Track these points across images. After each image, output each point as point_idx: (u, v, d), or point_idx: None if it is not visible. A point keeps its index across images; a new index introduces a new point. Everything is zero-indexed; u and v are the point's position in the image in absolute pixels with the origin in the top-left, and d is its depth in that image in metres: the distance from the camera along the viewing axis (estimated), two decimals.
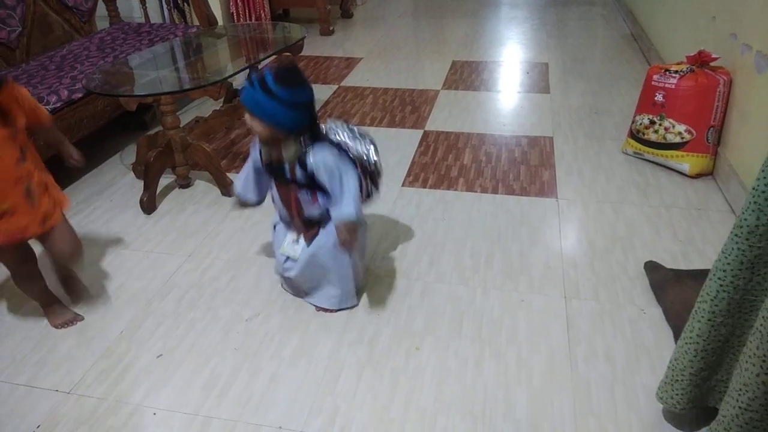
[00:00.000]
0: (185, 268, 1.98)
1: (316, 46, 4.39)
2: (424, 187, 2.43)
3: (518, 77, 3.71)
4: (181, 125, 2.38)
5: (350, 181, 1.57)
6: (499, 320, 1.71)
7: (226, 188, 2.39)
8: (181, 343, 1.66)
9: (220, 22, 3.97)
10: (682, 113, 2.39)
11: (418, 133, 2.93)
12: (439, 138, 2.87)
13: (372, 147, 1.68)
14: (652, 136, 2.48)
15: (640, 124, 2.53)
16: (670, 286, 1.75)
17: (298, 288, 1.80)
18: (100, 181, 2.54)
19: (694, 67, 2.39)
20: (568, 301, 1.77)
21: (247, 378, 1.54)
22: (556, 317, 1.71)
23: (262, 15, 4.58)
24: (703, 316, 1.17)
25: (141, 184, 2.35)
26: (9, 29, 2.62)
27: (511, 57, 4.13)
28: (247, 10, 4.55)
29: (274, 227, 1.79)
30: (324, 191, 1.59)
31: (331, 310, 1.76)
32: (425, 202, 2.32)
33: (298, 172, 1.56)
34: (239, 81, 2.66)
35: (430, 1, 5.94)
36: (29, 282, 1.70)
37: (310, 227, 1.67)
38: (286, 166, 1.57)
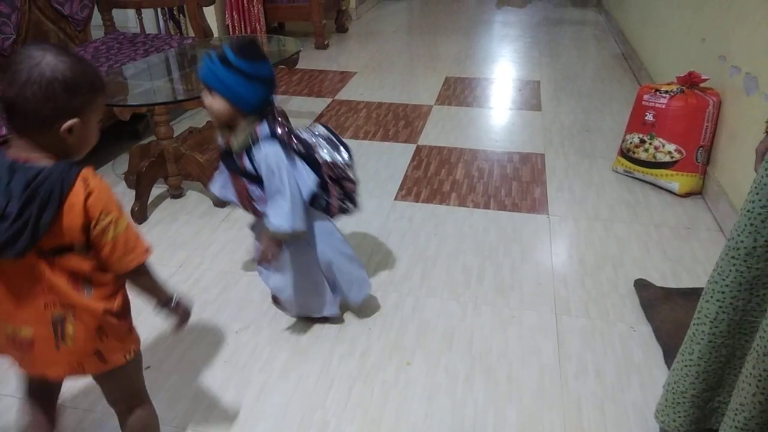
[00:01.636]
0: (176, 278, 1.97)
1: (310, 60, 4.41)
2: (417, 201, 2.44)
3: (510, 94, 3.75)
4: (175, 135, 2.38)
5: (288, 187, 1.45)
6: (490, 336, 1.71)
7: (218, 200, 2.38)
8: (170, 355, 1.65)
9: (216, 34, 3.99)
10: (672, 133, 2.42)
11: (411, 148, 2.94)
12: (432, 153, 2.89)
13: (347, 154, 1.59)
14: (642, 155, 2.51)
15: (631, 142, 2.56)
16: (660, 305, 1.76)
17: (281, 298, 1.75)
18: None
19: (684, 87, 2.43)
20: (559, 318, 1.78)
21: (236, 391, 1.53)
22: (547, 334, 1.72)
23: (258, 28, 4.60)
24: (702, 339, 1.17)
25: (133, 193, 2.34)
26: (3, 36, 2.61)
27: (503, 74, 4.18)
28: (242, 23, 4.57)
29: (252, 228, 1.72)
30: None
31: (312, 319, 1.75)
32: (417, 216, 2.33)
33: (247, 164, 1.48)
34: None
35: (425, 17, 6.01)
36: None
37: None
38: (237, 158, 1.49)
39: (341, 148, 1.59)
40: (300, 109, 3.44)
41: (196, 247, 2.14)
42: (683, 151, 2.40)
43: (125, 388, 1.21)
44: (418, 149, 2.93)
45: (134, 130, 2.98)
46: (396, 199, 2.46)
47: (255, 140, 1.45)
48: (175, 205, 2.43)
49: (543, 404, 1.49)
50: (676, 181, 2.42)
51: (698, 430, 1.28)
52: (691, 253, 2.08)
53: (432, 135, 3.10)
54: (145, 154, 2.42)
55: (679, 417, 1.27)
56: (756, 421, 1.03)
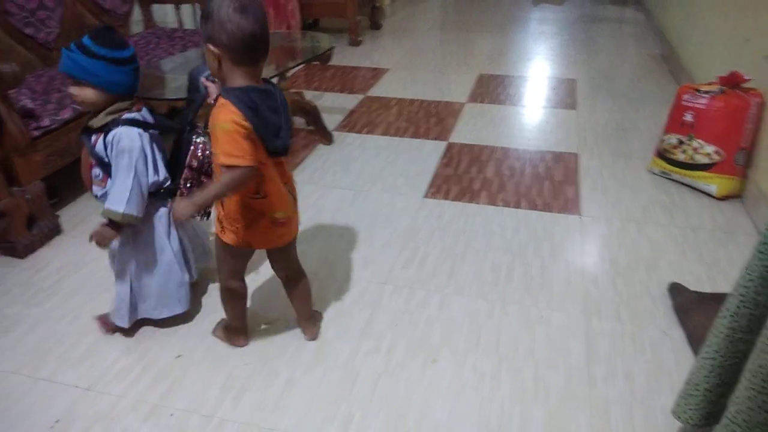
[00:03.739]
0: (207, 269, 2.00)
1: (344, 56, 4.43)
2: (446, 198, 2.43)
3: (545, 92, 3.70)
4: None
5: (131, 175, 1.45)
6: (518, 335, 1.69)
7: None
8: (200, 345, 1.68)
9: None
10: (712, 134, 2.35)
11: (441, 145, 2.93)
12: (463, 150, 2.87)
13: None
14: (680, 156, 2.45)
15: (668, 143, 2.50)
16: (694, 309, 1.72)
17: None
18: None
19: (725, 88, 2.36)
20: (589, 320, 1.75)
21: (263, 382, 1.55)
22: (576, 335, 1.69)
23: (293, 24, 4.63)
24: (721, 332, 1.15)
25: None
26: (48, 30, 2.69)
27: (538, 72, 4.12)
28: (277, 19, 4.61)
29: None
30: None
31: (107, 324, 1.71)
32: (446, 213, 2.32)
33: (99, 145, 1.48)
34: None
35: (459, 14, 5.96)
36: (238, 298, 1.62)
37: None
38: (94, 136, 1.49)
39: None
40: (332, 105, 3.46)
41: None
42: (722, 153, 2.33)
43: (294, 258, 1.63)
44: (449, 146, 2.92)
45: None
46: (425, 196, 2.45)
47: (116, 123, 1.46)
48: None
49: (570, 406, 1.47)
50: (715, 184, 2.36)
51: (709, 425, 1.26)
52: (728, 257, 2.02)
53: (463, 132, 3.08)
54: None
55: (690, 409, 1.25)
56: (743, 416, 1.00)
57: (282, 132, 1.32)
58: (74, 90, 1.45)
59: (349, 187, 2.53)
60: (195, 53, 2.71)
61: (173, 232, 1.65)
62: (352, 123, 3.23)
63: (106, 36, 1.42)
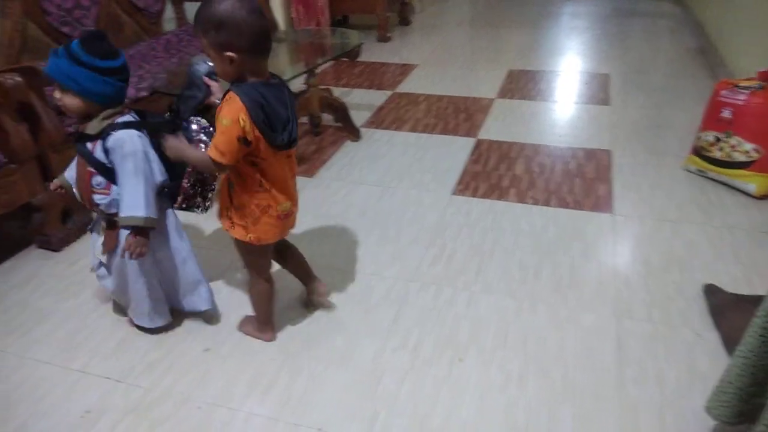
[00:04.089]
0: (238, 264, 2.02)
1: (373, 53, 4.42)
2: (475, 195, 2.41)
3: (577, 88, 3.63)
4: None
5: (142, 177, 1.45)
6: (546, 335, 1.67)
7: None
8: (228, 339, 1.70)
9: (282, 27, 4.06)
10: (751, 131, 2.28)
11: (470, 142, 2.90)
12: (492, 147, 2.84)
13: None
14: (717, 154, 2.38)
15: (705, 140, 2.43)
16: (730, 311, 1.67)
17: (120, 302, 1.72)
18: None
19: (765, 83, 2.28)
20: (620, 320, 1.71)
21: (289, 377, 1.56)
22: (606, 336, 1.66)
23: (322, 21, 4.65)
24: (756, 331, 1.13)
25: None
26: (83, 29, 2.75)
27: (569, 67, 4.05)
28: (307, 16, 4.63)
29: (91, 231, 1.67)
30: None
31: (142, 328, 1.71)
32: (475, 211, 2.30)
33: (98, 151, 1.45)
34: (296, 85, 2.71)
35: (489, 9, 5.90)
36: (266, 294, 1.64)
37: (110, 227, 1.55)
38: (90, 144, 1.47)
39: None
40: (360, 102, 3.46)
41: None
42: (762, 151, 2.25)
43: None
44: (478, 143, 2.89)
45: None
46: (454, 193, 2.43)
47: (113, 128, 1.44)
48: None
49: (599, 407, 1.44)
50: (753, 182, 2.28)
51: (742, 423, 1.22)
52: (766, 258, 1.96)
53: (492, 129, 3.04)
54: None
55: (722, 406, 1.22)
56: None
57: (290, 125, 1.36)
58: (57, 95, 1.43)
59: (377, 183, 2.52)
60: None
61: (183, 232, 1.65)
62: (380, 119, 3.22)
63: (95, 43, 1.38)
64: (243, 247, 1.53)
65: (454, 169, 2.63)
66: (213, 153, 1.32)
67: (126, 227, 1.49)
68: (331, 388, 1.52)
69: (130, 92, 2.38)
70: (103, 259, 1.60)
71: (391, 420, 1.43)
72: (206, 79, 1.48)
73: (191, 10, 3.74)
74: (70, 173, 1.58)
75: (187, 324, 1.76)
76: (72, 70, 1.36)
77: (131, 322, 1.74)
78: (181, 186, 1.57)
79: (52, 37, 2.63)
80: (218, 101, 1.40)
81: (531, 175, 2.56)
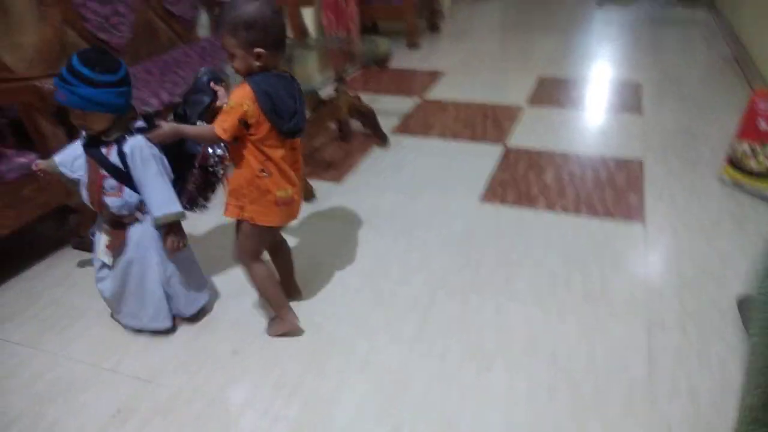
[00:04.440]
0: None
1: (401, 59, 4.44)
2: (503, 203, 2.39)
3: (608, 96, 3.59)
4: None
5: (167, 177, 1.53)
6: (576, 346, 1.64)
7: (307, 194, 2.44)
8: (255, 342, 1.71)
9: (313, 34, 4.10)
10: None
11: (499, 149, 2.89)
12: (521, 154, 2.82)
13: (220, 149, 1.62)
14: (753, 166, 2.32)
15: (740, 152, 2.37)
16: None
17: (113, 305, 1.73)
18: None
19: None
20: (651, 333, 1.68)
21: (315, 381, 1.56)
22: (637, 348, 1.63)
23: (352, 28, 4.68)
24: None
25: None
26: (120, 35, 2.82)
27: (601, 75, 4.01)
28: (338, 22, 4.66)
29: (92, 234, 1.71)
30: (133, 187, 1.52)
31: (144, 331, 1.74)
32: (503, 219, 2.28)
33: (113, 155, 1.50)
34: (326, 92, 2.73)
35: (520, 16, 5.87)
36: (270, 279, 1.70)
37: (116, 228, 1.59)
38: (104, 148, 1.51)
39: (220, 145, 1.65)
40: (388, 108, 3.46)
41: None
42: None
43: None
44: (507, 150, 2.87)
45: None
46: (481, 200, 2.42)
47: (128, 133, 1.50)
48: None
49: (629, 422, 1.41)
50: None
51: None
52: None
53: (521, 136, 3.02)
54: None
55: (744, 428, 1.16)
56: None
57: (296, 116, 1.48)
58: (79, 120, 1.46)
59: (404, 190, 2.52)
60: None
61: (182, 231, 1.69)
62: (408, 126, 3.22)
63: (103, 61, 1.42)
64: (243, 229, 1.60)
65: (482, 176, 2.62)
66: (218, 128, 1.44)
67: (161, 226, 1.55)
68: (357, 394, 1.52)
69: (165, 97, 2.43)
70: (106, 259, 1.63)
71: (416, 428, 1.42)
72: (212, 84, 1.55)
73: None
74: (61, 158, 1.62)
75: (216, 326, 1.78)
76: (95, 94, 1.40)
77: (133, 328, 1.76)
78: (186, 189, 1.64)
79: (89, 43, 2.69)
80: (225, 104, 1.49)
81: (561, 183, 2.53)
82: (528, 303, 1.82)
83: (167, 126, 1.51)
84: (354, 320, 1.78)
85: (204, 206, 1.70)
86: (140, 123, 1.53)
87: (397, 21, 4.82)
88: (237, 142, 1.49)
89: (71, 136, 2.07)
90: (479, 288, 1.89)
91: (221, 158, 1.63)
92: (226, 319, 1.80)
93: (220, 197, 1.67)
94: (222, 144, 1.60)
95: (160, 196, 1.52)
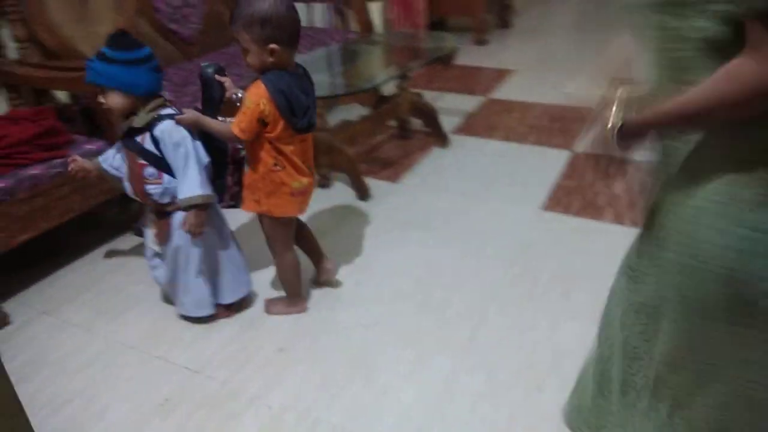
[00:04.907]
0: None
1: (468, 56, 4.33)
2: (566, 213, 2.28)
3: None
4: (328, 128, 2.45)
5: (195, 160, 1.54)
6: None
7: (362, 193, 2.42)
8: (302, 341, 1.70)
9: (379, 29, 4.06)
10: None
11: (565, 154, 2.76)
12: (590, 161, 2.68)
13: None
14: None
15: None
16: None
17: (169, 291, 1.79)
18: None
19: None
20: None
21: (359, 386, 1.54)
22: None
23: (418, 22, 4.61)
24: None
25: None
26: (190, 26, 2.87)
27: None
28: (405, 17, 4.61)
29: (142, 226, 1.77)
30: (171, 173, 1.56)
31: (227, 313, 1.79)
32: (565, 229, 2.17)
33: (148, 142, 1.54)
34: (388, 89, 2.69)
35: (599, 13, 5.62)
36: (294, 267, 1.76)
37: (160, 217, 1.64)
38: (138, 137, 1.56)
39: None
40: (451, 107, 3.38)
41: (336, 236, 2.19)
42: None
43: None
44: (574, 156, 2.74)
45: None
46: (543, 208, 2.32)
47: (158, 119, 1.53)
48: (322, 195, 2.50)
49: None
50: None
51: None
52: None
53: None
54: None
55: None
56: None
57: (309, 111, 1.53)
58: (102, 99, 1.53)
59: (462, 192, 2.45)
60: (321, 52, 2.77)
61: (225, 221, 1.73)
62: (471, 126, 3.14)
63: (119, 40, 1.49)
64: (266, 222, 1.67)
65: (546, 183, 2.51)
66: (236, 129, 1.49)
67: (187, 209, 1.57)
68: (401, 403, 1.48)
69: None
70: (157, 248, 1.68)
71: None
72: (218, 77, 1.57)
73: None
74: (104, 156, 1.69)
75: (264, 322, 1.78)
76: (107, 69, 1.48)
77: (180, 314, 1.79)
78: (227, 185, 1.67)
79: (160, 33, 2.76)
80: (237, 95, 1.55)
81: (632, 194, 2.39)
82: (586, 322, 1.71)
83: (191, 114, 1.54)
84: (403, 326, 1.74)
85: (234, 205, 1.72)
86: (168, 110, 1.57)
87: (465, 16, 4.71)
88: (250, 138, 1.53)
89: None
90: (535, 302, 1.81)
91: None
92: (274, 317, 1.80)
93: None
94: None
95: (185, 179, 1.55)
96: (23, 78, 2.17)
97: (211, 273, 1.71)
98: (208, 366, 1.63)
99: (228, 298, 1.76)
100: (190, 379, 1.59)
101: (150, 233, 1.69)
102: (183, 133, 1.53)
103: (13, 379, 1.62)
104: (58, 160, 1.87)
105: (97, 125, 2.08)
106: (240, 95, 1.54)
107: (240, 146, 1.65)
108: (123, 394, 1.56)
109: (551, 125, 3.09)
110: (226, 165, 1.65)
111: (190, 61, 2.81)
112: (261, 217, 1.68)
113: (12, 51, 2.24)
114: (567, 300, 1.81)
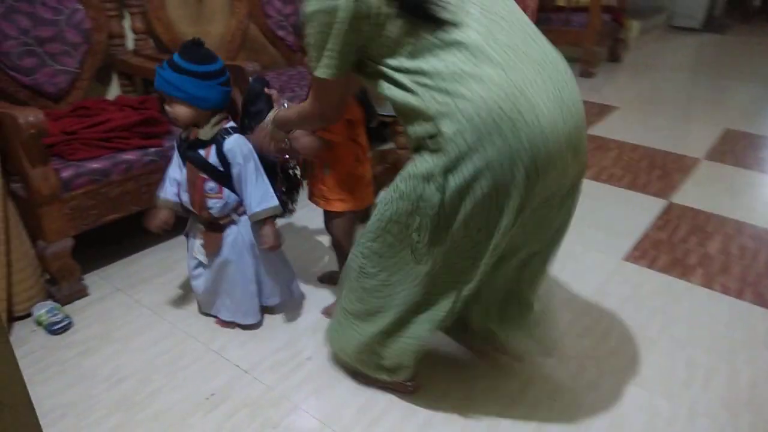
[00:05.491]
0: None
1: None
2: (651, 267, 2.13)
3: None
4: None
5: (263, 173, 1.57)
6: None
7: None
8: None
9: None
10: None
11: (660, 203, 2.59)
12: (686, 215, 2.50)
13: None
14: None
15: None
16: None
17: (205, 300, 1.79)
18: None
19: None
20: None
21: (399, 416, 1.49)
22: None
23: None
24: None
25: None
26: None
27: None
28: None
29: (186, 235, 1.75)
30: (232, 188, 1.58)
31: (229, 324, 1.78)
32: (646, 285, 2.03)
33: (212, 156, 1.54)
34: None
35: (718, 55, 5.28)
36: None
37: (211, 229, 1.64)
38: (202, 151, 1.55)
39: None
40: None
41: None
42: None
43: None
44: (669, 207, 2.56)
45: (380, 134, 3.15)
46: (625, 259, 2.18)
47: (225, 134, 1.54)
48: None
49: None
50: None
51: None
52: None
53: (691, 194, 2.68)
54: (383, 159, 2.54)
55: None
56: None
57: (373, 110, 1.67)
58: (168, 107, 1.51)
59: None
60: None
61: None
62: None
63: (192, 51, 1.48)
64: (343, 220, 1.70)
65: (633, 231, 2.36)
66: (327, 135, 1.55)
67: (259, 221, 1.60)
68: None
69: None
70: (202, 258, 1.69)
71: None
72: (266, 90, 1.58)
73: None
74: (173, 191, 1.66)
75: (319, 330, 1.77)
76: (177, 79, 1.46)
77: (219, 321, 1.80)
78: (276, 196, 1.67)
79: (268, 38, 2.87)
80: (284, 105, 1.53)
81: (727, 257, 2.20)
82: (654, 391, 1.59)
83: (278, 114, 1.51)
84: (452, 364, 1.68)
85: (293, 210, 1.76)
86: (231, 124, 1.58)
87: (574, 46, 4.56)
88: (331, 144, 1.57)
89: None
90: (599, 359, 1.69)
91: (298, 161, 1.70)
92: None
93: (302, 199, 1.77)
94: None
95: (260, 191, 1.57)
96: (136, 68, 2.32)
97: (258, 279, 1.73)
98: (257, 368, 1.65)
99: (269, 301, 1.79)
100: (238, 377, 1.62)
101: (197, 243, 1.69)
102: (250, 147, 1.56)
103: (79, 349, 1.75)
104: (153, 149, 1.98)
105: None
106: (287, 105, 1.54)
107: (287, 156, 1.66)
108: (176, 381, 1.61)
109: (649, 170, 2.91)
110: (276, 175, 1.67)
111: (293, 68, 2.90)
112: (336, 217, 1.70)
113: (130, 41, 2.40)
114: (636, 363, 1.67)
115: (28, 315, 1.82)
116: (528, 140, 1.06)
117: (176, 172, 1.65)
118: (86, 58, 2.20)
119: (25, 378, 1.61)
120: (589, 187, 2.70)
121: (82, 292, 1.92)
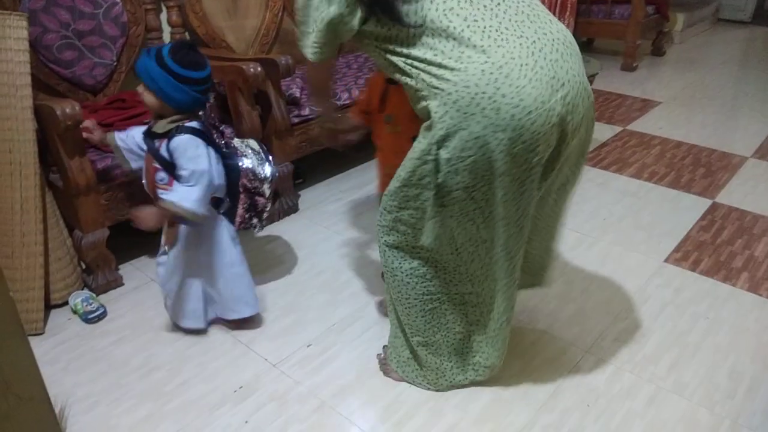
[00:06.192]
0: None
1: (612, 82, 4.07)
2: (693, 270, 2.04)
3: None
4: None
5: (202, 173, 1.49)
6: None
7: None
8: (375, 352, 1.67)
9: None
10: None
11: (704, 203, 2.49)
12: (731, 216, 2.39)
13: (269, 170, 1.66)
14: None
15: None
16: None
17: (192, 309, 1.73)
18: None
19: None
20: None
21: (425, 419, 1.47)
22: None
23: None
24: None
25: None
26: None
27: None
28: None
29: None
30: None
31: (237, 324, 1.76)
32: (688, 288, 1.95)
33: (163, 149, 1.51)
34: None
35: (766, 50, 5.05)
36: None
37: (170, 224, 1.61)
38: (158, 141, 1.52)
39: (266, 163, 1.67)
40: None
41: None
42: None
43: None
44: (713, 207, 2.46)
45: None
46: (667, 260, 2.10)
47: (180, 130, 1.49)
48: None
49: None
50: None
51: None
52: None
53: (737, 193, 2.57)
54: None
55: None
56: None
57: None
58: (140, 89, 1.50)
59: (576, 229, 2.29)
60: None
61: (237, 240, 1.69)
62: (600, 157, 2.93)
63: (183, 53, 1.45)
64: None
65: (675, 232, 2.27)
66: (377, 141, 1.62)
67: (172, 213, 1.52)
68: None
69: (355, 94, 2.48)
70: (166, 248, 1.66)
71: None
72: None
73: None
74: (120, 135, 1.66)
75: (346, 329, 1.77)
76: (156, 72, 1.44)
77: (225, 323, 1.79)
78: (237, 212, 1.67)
79: None
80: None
81: None
82: (694, 400, 1.52)
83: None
84: None
85: (261, 227, 1.74)
86: (194, 124, 1.52)
87: (616, 39, 4.43)
88: (399, 128, 1.55)
89: (263, 120, 2.22)
90: (637, 366, 1.63)
91: (263, 179, 1.66)
92: (359, 322, 1.78)
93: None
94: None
95: (182, 189, 1.50)
96: None
97: (210, 287, 1.70)
98: (286, 362, 1.65)
99: (227, 315, 1.74)
100: (266, 372, 1.62)
101: (164, 231, 1.67)
102: (198, 148, 1.50)
103: (112, 339, 1.77)
104: None
105: (228, 112, 2.20)
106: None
107: (253, 177, 1.64)
108: (205, 373, 1.62)
109: (694, 168, 2.80)
110: (237, 194, 1.65)
111: None
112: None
113: (166, 35, 2.42)
114: (675, 370, 1.61)
115: (65, 303, 1.86)
116: (511, 118, 1.12)
117: (140, 138, 1.62)
118: (123, 51, 2.23)
119: (60, 365, 1.65)
120: (629, 185, 2.64)
121: (117, 282, 1.96)
